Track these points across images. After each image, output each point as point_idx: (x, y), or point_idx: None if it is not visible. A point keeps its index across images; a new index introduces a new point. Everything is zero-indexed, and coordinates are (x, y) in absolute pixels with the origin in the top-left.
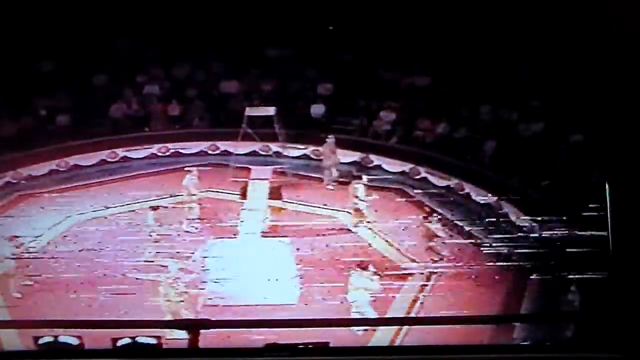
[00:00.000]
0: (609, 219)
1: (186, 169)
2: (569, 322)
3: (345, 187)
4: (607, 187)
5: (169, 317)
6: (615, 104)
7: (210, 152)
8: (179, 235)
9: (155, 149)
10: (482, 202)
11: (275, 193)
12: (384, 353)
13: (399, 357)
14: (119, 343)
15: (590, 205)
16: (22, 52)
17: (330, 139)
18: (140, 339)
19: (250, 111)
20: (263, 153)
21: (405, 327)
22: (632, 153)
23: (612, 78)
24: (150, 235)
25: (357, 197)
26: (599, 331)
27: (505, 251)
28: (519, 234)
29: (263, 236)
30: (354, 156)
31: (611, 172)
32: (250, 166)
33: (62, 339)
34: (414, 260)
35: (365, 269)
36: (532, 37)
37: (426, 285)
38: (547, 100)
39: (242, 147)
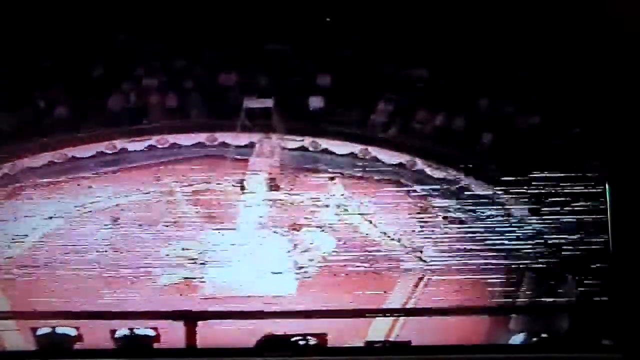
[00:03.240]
0: (609, 219)
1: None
2: (564, 315)
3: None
4: (607, 188)
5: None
6: (614, 102)
7: (208, 143)
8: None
9: (153, 140)
10: (479, 193)
11: (273, 184)
12: (383, 353)
13: (398, 358)
14: (117, 334)
15: (590, 203)
16: (20, 45)
17: (273, 139)
18: (137, 330)
19: (248, 103)
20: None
21: (402, 319)
22: (632, 151)
23: (612, 77)
24: None
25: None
26: (598, 331)
27: (502, 243)
28: (516, 226)
29: (261, 227)
30: (351, 148)
31: (611, 171)
32: (248, 157)
33: (59, 330)
34: (411, 252)
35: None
36: (531, 31)
37: (423, 276)
38: (545, 97)
39: (240, 139)
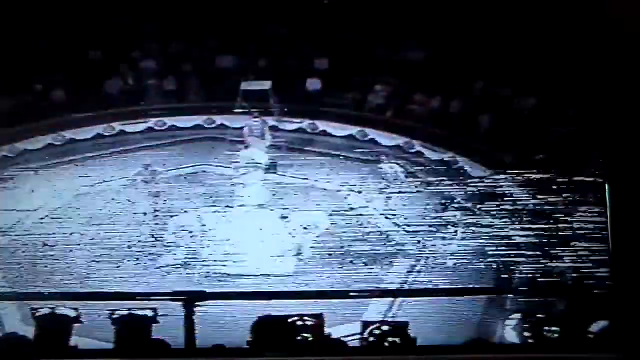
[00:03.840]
0: (608, 217)
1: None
2: (561, 296)
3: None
4: (607, 186)
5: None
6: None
7: (206, 125)
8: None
9: (152, 123)
10: (476, 175)
11: (270, 166)
12: (382, 353)
13: (396, 358)
14: (116, 315)
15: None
16: (17, 28)
17: (256, 121)
18: (136, 312)
19: (245, 85)
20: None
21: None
22: (632, 151)
23: (612, 77)
24: None
25: None
26: (599, 330)
27: (498, 224)
28: (513, 208)
29: (259, 209)
30: (349, 130)
31: (611, 171)
32: (246, 140)
33: (59, 311)
34: (408, 232)
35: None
36: (531, 32)
37: (420, 258)
38: (545, 97)
39: (238, 121)
